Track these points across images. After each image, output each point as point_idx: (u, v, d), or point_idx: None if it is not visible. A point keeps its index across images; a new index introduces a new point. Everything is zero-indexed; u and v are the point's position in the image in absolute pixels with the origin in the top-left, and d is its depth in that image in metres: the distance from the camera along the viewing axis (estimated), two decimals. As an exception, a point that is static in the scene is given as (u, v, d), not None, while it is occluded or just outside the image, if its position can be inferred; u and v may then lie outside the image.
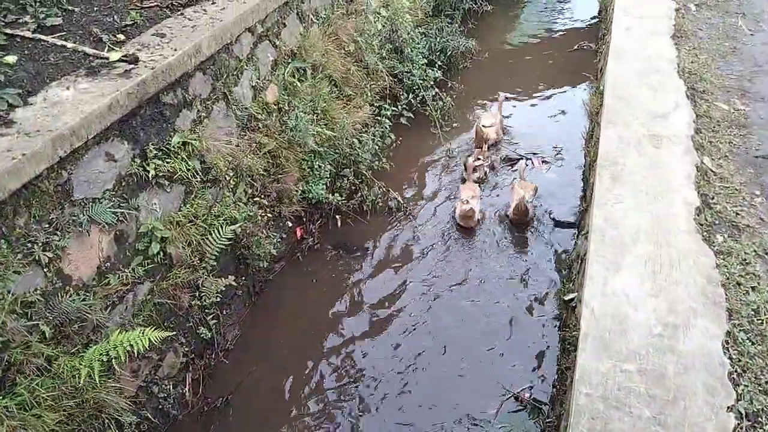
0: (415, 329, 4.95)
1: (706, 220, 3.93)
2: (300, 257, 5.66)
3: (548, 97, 7.99)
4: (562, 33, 9.75)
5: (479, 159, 6.38)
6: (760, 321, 3.27)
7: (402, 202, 6.20)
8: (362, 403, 4.44)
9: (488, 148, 6.56)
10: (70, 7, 4.55)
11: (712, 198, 4.13)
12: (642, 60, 5.80)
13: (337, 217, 6.00)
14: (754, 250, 3.72)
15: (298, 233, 5.75)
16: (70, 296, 3.41)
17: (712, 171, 4.39)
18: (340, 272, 5.55)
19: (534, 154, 6.86)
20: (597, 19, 10.11)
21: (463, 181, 6.34)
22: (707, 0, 7.26)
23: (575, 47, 9.24)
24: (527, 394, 4.34)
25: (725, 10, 7.04)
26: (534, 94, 8.09)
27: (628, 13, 6.79)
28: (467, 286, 5.28)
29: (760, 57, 5.96)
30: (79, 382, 3.25)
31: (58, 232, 3.37)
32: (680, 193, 4.13)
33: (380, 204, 6.17)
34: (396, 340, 4.88)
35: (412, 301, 5.19)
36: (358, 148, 6.17)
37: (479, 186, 6.22)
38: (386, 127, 6.70)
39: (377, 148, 6.47)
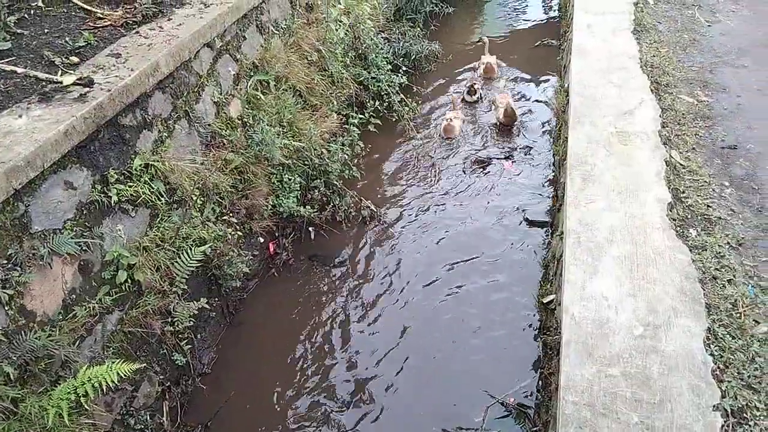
0: (395, 338, 4.88)
1: (679, 215, 3.95)
2: (275, 273, 5.56)
3: (514, 96, 7.99)
4: (523, 31, 9.82)
5: (476, 83, 8.01)
6: (738, 314, 3.27)
7: (375, 210, 6.14)
8: (345, 419, 4.36)
9: (490, 78, 8.38)
10: (19, 31, 4.38)
11: (683, 192, 4.15)
12: (605, 56, 5.84)
13: (311, 229, 5.91)
14: (728, 242, 3.75)
15: (271, 248, 5.64)
16: (34, 333, 3.26)
17: (680, 164, 4.42)
18: (317, 285, 5.46)
19: (508, 155, 6.86)
20: (557, 16, 10.19)
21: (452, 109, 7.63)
22: (664, -7, 7.35)
23: (537, 44, 9.30)
24: (512, 399, 4.30)
25: (682, 2, 7.15)
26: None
27: (588, 11, 6.84)
28: (445, 291, 5.23)
29: (719, 48, 6.05)
30: (48, 423, 3.11)
31: (18, 268, 3.22)
32: (651, 190, 4.13)
33: (353, 213, 6.10)
34: (376, 350, 4.81)
35: (391, 310, 5.13)
36: (328, 158, 6.08)
37: (465, 107, 7.82)
38: (355, 136, 6.64)
39: (347, 157, 6.39)
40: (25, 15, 4.62)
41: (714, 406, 2.83)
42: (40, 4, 4.76)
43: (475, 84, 8.01)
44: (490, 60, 8.40)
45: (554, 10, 10.59)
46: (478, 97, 7.94)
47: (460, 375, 4.54)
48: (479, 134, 7.36)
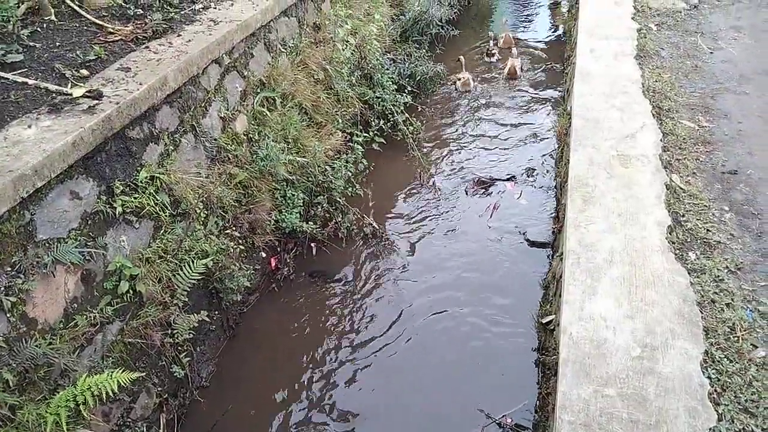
0: (393, 355, 4.89)
1: (678, 238, 3.97)
2: (275, 288, 5.58)
3: (518, 119, 8.06)
4: (528, 55, 9.90)
5: (495, 49, 9.82)
6: (736, 338, 3.28)
7: (377, 227, 6.17)
8: (343, 436, 4.36)
9: (501, 48, 10.00)
10: (31, 43, 4.46)
11: (683, 216, 4.17)
12: (607, 81, 5.90)
13: (312, 245, 5.94)
14: (726, 267, 3.76)
15: (273, 263, 5.67)
16: (35, 341, 3.29)
17: (681, 188, 4.45)
18: (317, 301, 5.48)
19: (512, 176, 6.90)
20: (562, 40, 10.31)
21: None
22: (667, 20, 7.44)
23: (542, 68, 9.38)
24: (509, 420, 4.29)
25: (684, 29, 7.22)
26: (504, 117, 8.16)
27: (592, 35, 6.92)
28: (445, 309, 5.24)
29: (720, 74, 6.11)
30: (46, 431, 3.12)
31: (22, 275, 3.26)
32: (652, 213, 4.16)
33: (355, 230, 6.13)
34: (374, 367, 4.81)
35: (390, 327, 5.14)
36: (331, 175, 6.13)
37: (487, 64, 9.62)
38: (358, 153, 6.70)
39: (350, 174, 6.44)
40: (38, 28, 4.70)
41: (710, 429, 2.82)
42: (53, 18, 4.85)
43: (493, 49, 9.81)
44: (508, 33, 10.15)
45: (559, 34, 10.72)
46: (495, 59, 9.71)
47: (457, 394, 4.53)
48: (492, 86, 9.01)
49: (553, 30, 11.06)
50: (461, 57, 9.06)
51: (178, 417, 4.41)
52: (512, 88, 8.92)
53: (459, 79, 8.85)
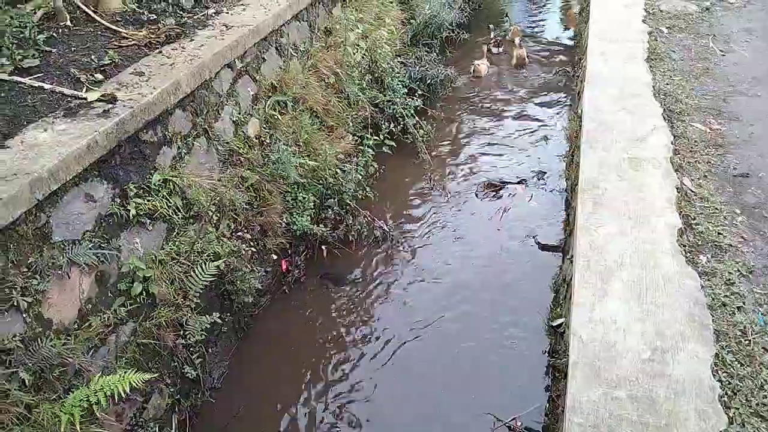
0: (403, 359, 4.90)
1: (689, 241, 3.96)
2: (286, 290, 5.61)
3: (529, 123, 8.07)
4: (538, 58, 9.91)
5: (500, 39, 10.31)
6: (747, 342, 3.27)
7: (387, 230, 6.19)
8: (353, 438, 4.38)
9: (512, 41, 10.26)
10: (47, 49, 4.54)
11: (694, 218, 4.16)
12: (618, 83, 5.89)
13: (323, 248, 5.96)
14: (738, 270, 3.75)
15: (284, 266, 5.70)
16: (50, 341, 3.33)
17: (692, 191, 4.44)
18: (328, 304, 5.50)
19: (522, 180, 6.90)
20: (572, 43, 10.30)
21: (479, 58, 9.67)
22: (678, 23, 7.43)
23: (552, 72, 9.37)
24: (519, 423, 4.29)
25: (696, 32, 7.21)
26: (514, 120, 8.17)
27: (603, 38, 6.92)
28: (455, 312, 5.25)
29: (732, 77, 6.09)
30: (60, 430, 3.16)
31: (37, 276, 3.31)
32: (662, 215, 4.15)
33: (365, 233, 6.15)
34: (386, 370, 4.82)
35: (400, 330, 5.15)
36: (342, 178, 6.16)
37: (492, 56, 10.03)
38: (369, 157, 6.72)
39: (360, 177, 6.47)
40: (54, 34, 4.78)
41: (721, 432, 2.82)
42: (68, 23, 4.94)
43: (499, 40, 10.30)
44: (515, 26, 10.53)
45: (569, 37, 10.72)
46: (502, 50, 10.14)
47: (467, 396, 4.54)
48: (501, 75, 9.56)
49: (564, 33, 11.08)
50: (484, 45, 9.87)
51: (190, 417, 4.44)
52: (522, 86, 8.90)
53: (476, 64, 9.42)
